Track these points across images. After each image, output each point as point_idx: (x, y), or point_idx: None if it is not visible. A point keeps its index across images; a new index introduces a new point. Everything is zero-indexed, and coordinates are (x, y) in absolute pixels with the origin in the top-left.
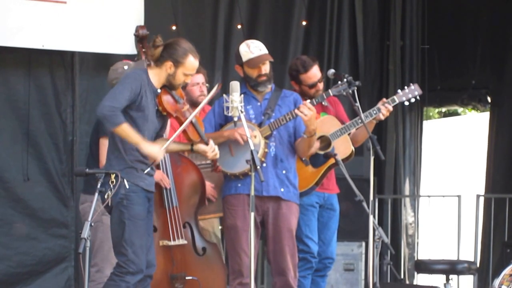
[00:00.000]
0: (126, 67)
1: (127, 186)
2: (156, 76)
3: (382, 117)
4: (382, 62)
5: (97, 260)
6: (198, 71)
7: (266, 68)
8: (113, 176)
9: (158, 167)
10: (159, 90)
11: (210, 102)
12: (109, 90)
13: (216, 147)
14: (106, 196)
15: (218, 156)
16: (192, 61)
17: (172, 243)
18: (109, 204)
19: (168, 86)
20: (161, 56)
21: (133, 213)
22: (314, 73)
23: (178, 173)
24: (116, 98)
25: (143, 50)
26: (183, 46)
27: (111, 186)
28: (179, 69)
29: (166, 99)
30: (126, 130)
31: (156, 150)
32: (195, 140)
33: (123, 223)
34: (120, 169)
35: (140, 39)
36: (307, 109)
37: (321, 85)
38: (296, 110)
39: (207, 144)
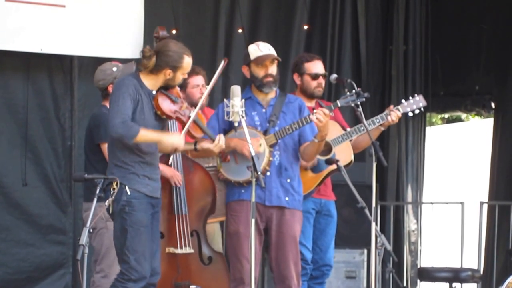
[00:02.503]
0: (115, 69)
1: (129, 193)
2: (152, 81)
3: (391, 122)
4: (384, 67)
5: (103, 266)
6: (198, 73)
7: (273, 70)
8: (114, 183)
9: (168, 163)
10: (154, 92)
11: (212, 106)
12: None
13: (222, 139)
14: (106, 203)
15: (224, 147)
16: (188, 61)
17: (179, 251)
18: (111, 211)
19: (165, 87)
20: (157, 65)
21: (135, 219)
22: (320, 66)
23: (190, 179)
24: (121, 111)
25: None
26: (175, 50)
27: (113, 192)
28: (177, 72)
29: (163, 101)
30: (145, 135)
31: (176, 139)
32: (199, 136)
33: (125, 230)
34: (121, 176)
35: (159, 41)
36: (322, 116)
37: (323, 83)
38: (311, 116)
39: (212, 139)
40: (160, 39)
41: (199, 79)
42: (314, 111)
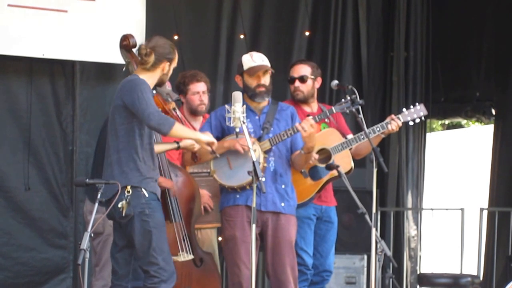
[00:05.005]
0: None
1: (147, 195)
2: (150, 79)
3: (391, 131)
4: (385, 74)
5: (105, 274)
6: (199, 80)
7: (266, 80)
8: (129, 186)
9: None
10: (154, 92)
11: (209, 111)
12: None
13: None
14: (120, 207)
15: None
16: (176, 53)
17: (181, 259)
18: (125, 214)
19: (158, 85)
20: (155, 60)
21: (157, 220)
22: (296, 69)
23: (177, 185)
24: (152, 104)
25: (133, 59)
26: (167, 42)
27: (127, 196)
28: (171, 65)
29: (161, 100)
30: (181, 129)
31: (210, 136)
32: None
33: (149, 232)
34: (138, 181)
35: (129, 49)
36: (308, 125)
37: (302, 87)
38: (297, 125)
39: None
40: (130, 47)
41: (200, 86)
42: (304, 119)
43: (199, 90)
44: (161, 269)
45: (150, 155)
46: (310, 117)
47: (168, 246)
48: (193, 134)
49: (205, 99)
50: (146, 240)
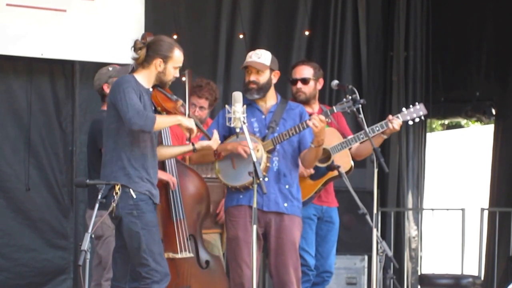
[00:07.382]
0: (110, 69)
1: (134, 196)
2: (145, 77)
3: (393, 130)
4: (385, 73)
5: (111, 276)
6: (201, 96)
7: (257, 78)
8: (117, 187)
9: (163, 169)
10: (150, 89)
11: (214, 113)
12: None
13: (217, 136)
14: (111, 208)
15: (219, 141)
16: (178, 54)
17: (179, 256)
18: (114, 215)
19: (159, 85)
20: (147, 55)
21: (146, 221)
22: (299, 70)
23: (185, 185)
24: (131, 104)
25: None
26: (167, 41)
27: (115, 197)
28: (168, 64)
29: (162, 97)
30: (162, 121)
31: (192, 121)
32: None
33: (137, 233)
34: (126, 181)
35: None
36: (318, 121)
37: (304, 88)
38: (308, 121)
39: (208, 136)
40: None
41: (198, 101)
42: (311, 116)
43: (196, 104)
44: (152, 270)
45: (145, 154)
46: (314, 115)
47: (160, 247)
48: (174, 119)
49: (201, 114)
50: (135, 241)
